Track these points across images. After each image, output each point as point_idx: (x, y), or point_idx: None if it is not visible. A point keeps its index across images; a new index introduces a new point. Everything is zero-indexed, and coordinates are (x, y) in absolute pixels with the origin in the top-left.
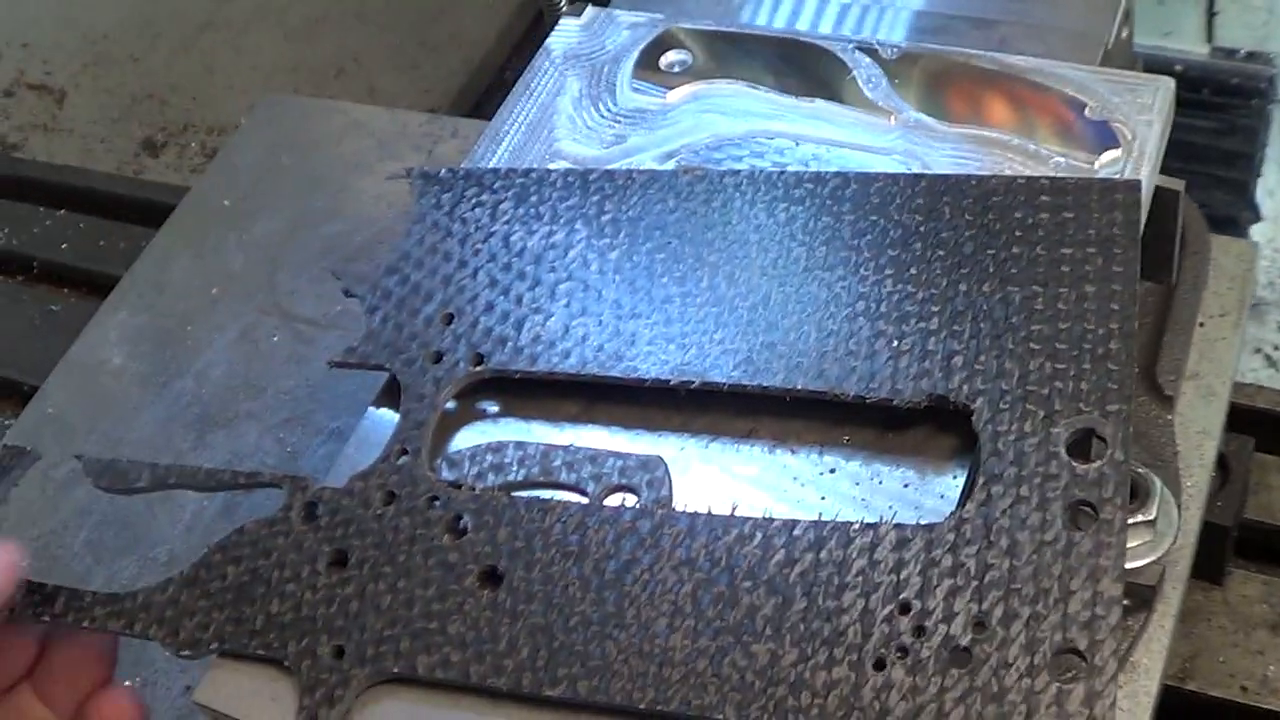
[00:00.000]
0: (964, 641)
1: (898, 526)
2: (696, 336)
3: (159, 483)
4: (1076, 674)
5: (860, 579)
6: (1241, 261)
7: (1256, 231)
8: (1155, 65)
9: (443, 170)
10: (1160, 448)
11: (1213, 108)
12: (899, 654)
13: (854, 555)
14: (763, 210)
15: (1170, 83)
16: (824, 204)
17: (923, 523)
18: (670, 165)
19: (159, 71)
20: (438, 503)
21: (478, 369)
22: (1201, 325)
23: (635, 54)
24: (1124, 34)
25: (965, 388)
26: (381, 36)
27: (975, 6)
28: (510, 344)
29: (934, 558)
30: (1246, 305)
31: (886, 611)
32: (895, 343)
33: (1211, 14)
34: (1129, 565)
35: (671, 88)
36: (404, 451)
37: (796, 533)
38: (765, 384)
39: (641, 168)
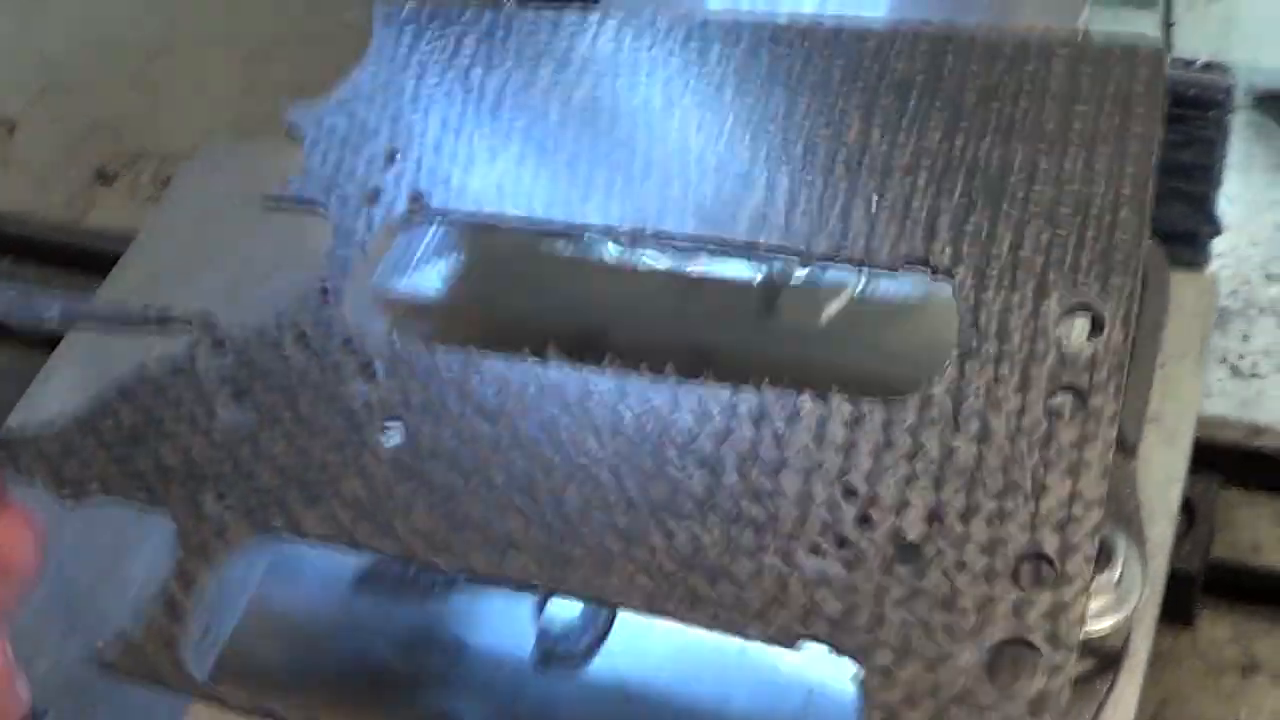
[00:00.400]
0: (913, 536)
1: (852, 400)
2: (656, 185)
3: (69, 316)
4: (1042, 582)
5: (803, 457)
6: (1202, 297)
7: (1218, 240)
8: None
9: (408, 3)
10: (1123, 500)
11: (1171, 119)
12: (837, 544)
13: (799, 430)
14: (744, 56)
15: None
16: (812, 51)
17: (885, 396)
18: None
19: (111, 100)
20: (350, 344)
21: (415, 211)
22: (1163, 367)
23: None
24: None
25: (948, 251)
26: (336, 58)
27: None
28: (453, 185)
29: (890, 438)
30: (1207, 342)
31: (828, 496)
32: (875, 199)
33: (1168, 24)
34: (1093, 628)
35: None
36: (324, 291)
37: (737, 401)
38: (725, 237)
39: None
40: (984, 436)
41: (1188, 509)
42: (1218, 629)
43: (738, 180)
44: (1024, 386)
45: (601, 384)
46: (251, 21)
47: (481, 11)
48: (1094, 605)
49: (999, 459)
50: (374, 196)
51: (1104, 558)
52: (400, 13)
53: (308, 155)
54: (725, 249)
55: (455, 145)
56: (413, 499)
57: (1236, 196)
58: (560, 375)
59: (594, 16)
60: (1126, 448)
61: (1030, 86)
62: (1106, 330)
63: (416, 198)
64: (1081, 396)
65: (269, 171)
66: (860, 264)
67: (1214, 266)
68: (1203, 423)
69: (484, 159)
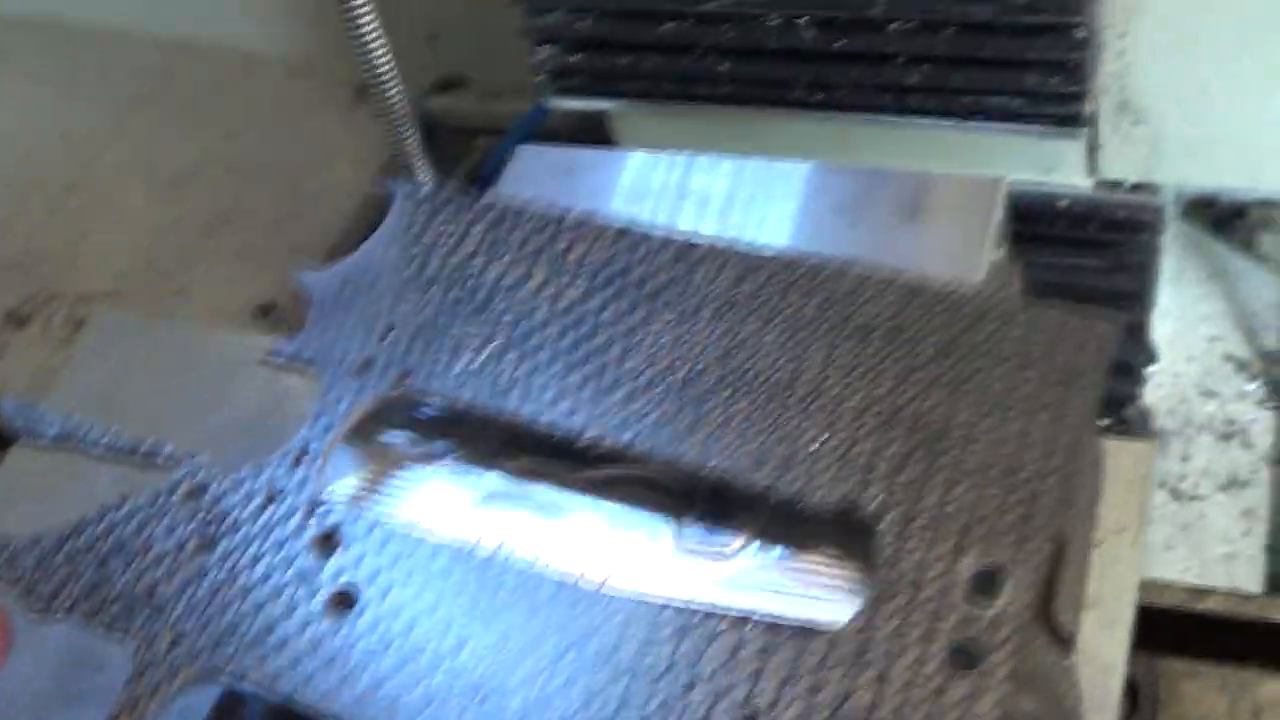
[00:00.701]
0: None
1: (770, 628)
2: (624, 396)
3: (65, 437)
4: None
5: (713, 679)
6: (1139, 465)
7: None
8: (1038, 202)
9: (424, 187)
10: (1061, 698)
11: (1100, 245)
12: None
13: (714, 651)
14: (728, 282)
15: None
16: (790, 286)
17: (798, 628)
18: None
19: (23, 239)
20: (319, 510)
21: (399, 387)
22: (1100, 545)
23: None
24: (997, 256)
25: (880, 499)
26: (252, 190)
27: (838, 240)
28: (439, 368)
29: (797, 671)
30: (1146, 514)
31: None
32: (821, 439)
33: (1094, 147)
34: None
35: None
36: (304, 453)
37: (661, 617)
38: (677, 457)
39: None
40: (883, 680)
41: (1131, 691)
42: None
43: (697, 405)
44: (928, 638)
45: (540, 583)
46: (167, 153)
47: (493, 204)
48: None
49: (895, 703)
50: (364, 368)
51: None
52: (419, 193)
53: (310, 318)
54: (667, 475)
55: (448, 330)
56: (353, 673)
57: (1169, 310)
58: (505, 569)
59: (595, 220)
60: (1064, 641)
61: (986, 347)
62: (1013, 593)
63: (403, 376)
64: (979, 654)
65: (160, 354)
66: (795, 502)
67: (1150, 386)
68: (1142, 587)
69: (471, 347)
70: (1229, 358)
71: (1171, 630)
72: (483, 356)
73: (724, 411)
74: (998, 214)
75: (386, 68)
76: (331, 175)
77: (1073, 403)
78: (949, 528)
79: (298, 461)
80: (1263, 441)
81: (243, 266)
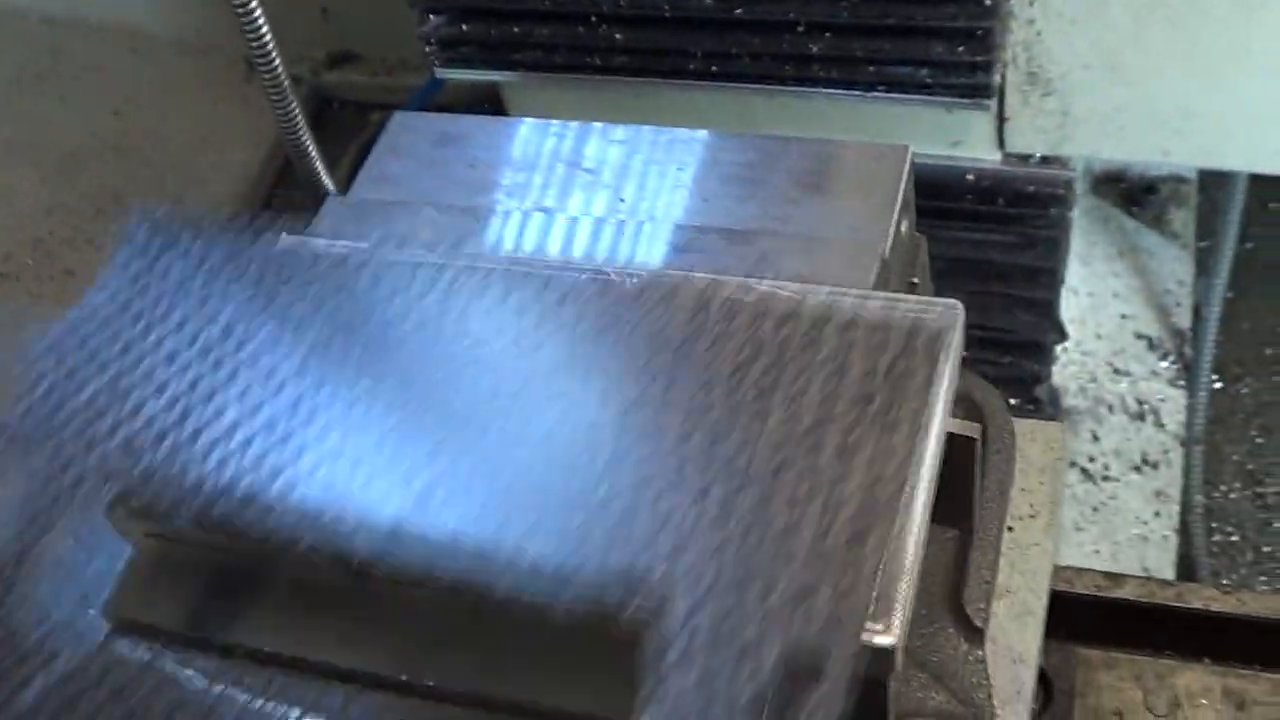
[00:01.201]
0: None
1: None
2: (359, 480)
3: None
4: None
5: None
6: (1051, 449)
7: None
8: (947, 176)
9: (160, 210)
10: (971, 690)
11: (1009, 219)
12: None
13: None
14: (489, 310)
15: (960, 308)
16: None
17: None
18: None
19: None
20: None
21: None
22: (1010, 530)
23: None
24: (903, 228)
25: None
26: (142, 170)
27: (734, 213)
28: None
29: None
30: (1059, 499)
31: None
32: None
33: (1002, 119)
34: None
35: None
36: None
37: None
38: (404, 566)
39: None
40: None
41: (1044, 682)
42: None
43: (450, 474)
44: None
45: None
46: (54, 132)
47: (234, 228)
48: None
49: None
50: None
51: None
52: (152, 217)
53: (31, 385)
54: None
55: (157, 410)
56: None
57: (1079, 287)
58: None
59: (343, 256)
60: (975, 631)
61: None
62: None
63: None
64: None
65: None
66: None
67: (1059, 363)
68: (1055, 574)
69: (179, 435)
70: (1140, 335)
71: (1086, 618)
72: (192, 450)
73: (469, 479)
74: (904, 183)
75: (271, 43)
76: (223, 154)
77: (892, 440)
78: (740, 619)
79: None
80: (1174, 421)
81: None
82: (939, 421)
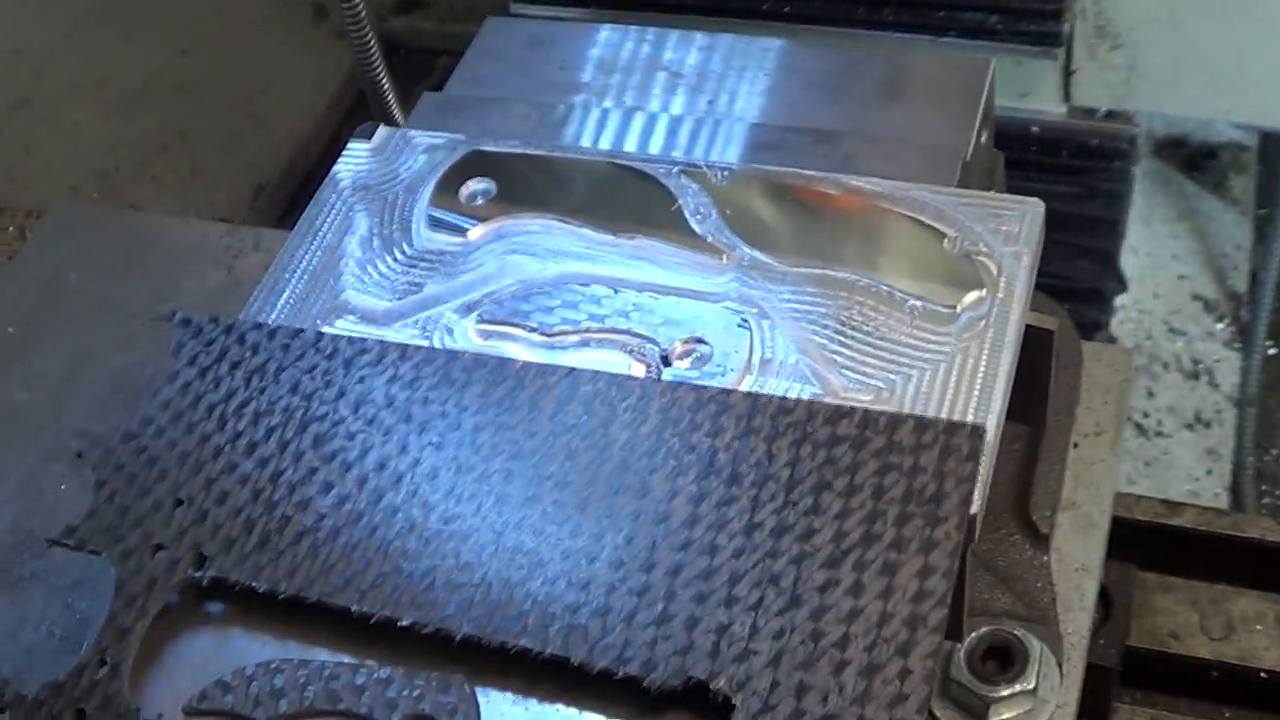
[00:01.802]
0: None
1: None
2: (442, 567)
3: None
4: None
5: None
6: (1116, 372)
7: (1121, 295)
8: (1012, 127)
9: (206, 321)
10: (1036, 594)
11: (1073, 171)
12: None
13: None
14: (550, 415)
15: (1040, 206)
16: (613, 416)
17: None
18: (471, 319)
19: None
20: None
21: (197, 573)
22: (1076, 446)
23: (432, 184)
24: (983, 138)
25: (732, 672)
26: (205, 109)
27: (816, 117)
28: (237, 547)
29: None
30: (1123, 419)
31: None
32: (662, 605)
33: (1069, 72)
34: None
35: (473, 224)
36: (103, 662)
37: None
38: (503, 640)
39: (422, 344)
40: None
41: (1104, 598)
42: None
43: (529, 568)
44: None
45: None
46: (118, 72)
47: (281, 336)
48: (1007, 714)
49: None
50: (156, 550)
51: (1019, 663)
52: (199, 330)
53: (95, 492)
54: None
55: (240, 496)
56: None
57: (1138, 247)
58: None
59: (395, 352)
60: (1040, 540)
61: (836, 479)
62: None
63: (200, 560)
64: None
65: (115, 240)
66: (637, 681)
67: (1116, 320)
68: (1115, 500)
69: (266, 517)
70: (1197, 297)
71: (1144, 544)
72: (283, 530)
73: (553, 578)
74: (986, 93)
75: None
76: (286, 94)
77: (936, 536)
78: (811, 700)
79: (99, 669)
80: (1228, 382)
81: (195, 183)
82: (1019, 313)
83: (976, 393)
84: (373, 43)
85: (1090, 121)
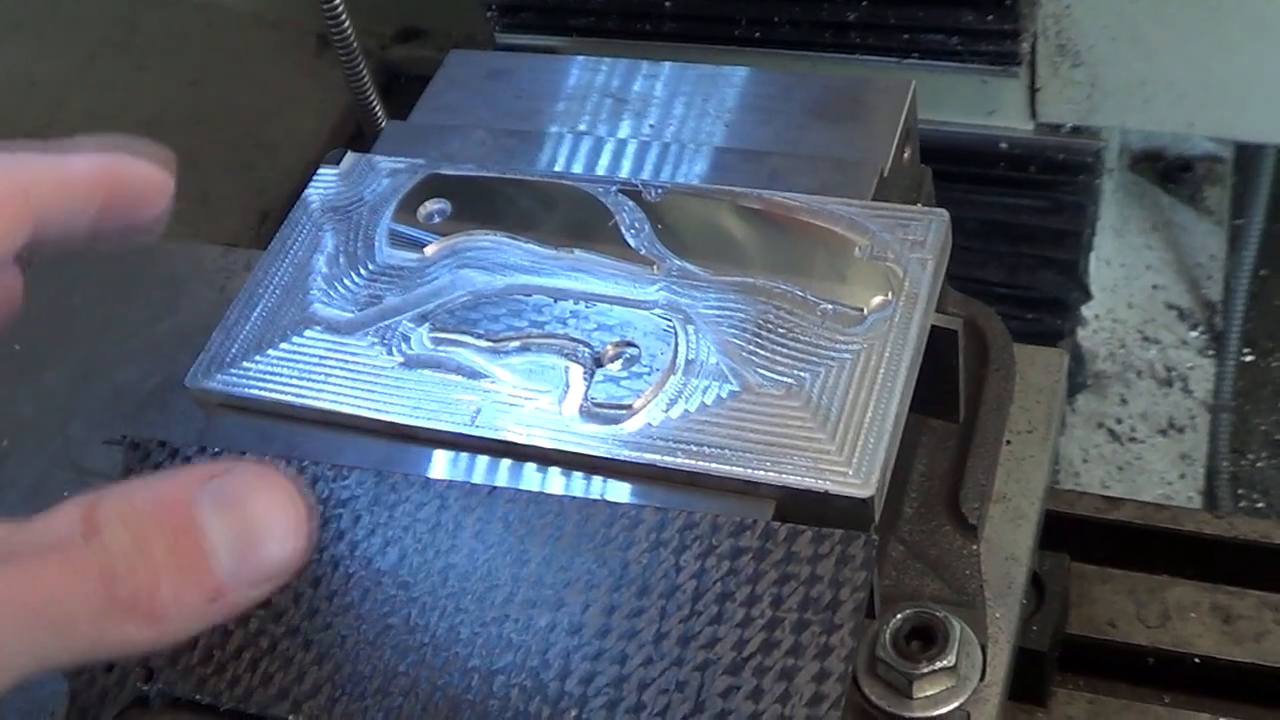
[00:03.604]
0: None
1: None
2: (370, 678)
3: None
4: None
5: None
6: (1049, 373)
7: (1094, 303)
8: (981, 143)
9: (154, 445)
10: (964, 581)
11: (1039, 185)
12: None
13: None
14: (473, 533)
15: (944, 215)
16: (530, 532)
17: None
18: (425, 328)
19: None
20: None
21: (145, 686)
22: (1008, 443)
23: (393, 204)
24: (905, 155)
25: None
26: (216, 137)
27: (749, 137)
28: (182, 660)
29: None
30: (1056, 418)
31: None
32: (575, 712)
33: (1034, 89)
34: (931, 714)
35: (430, 241)
36: None
37: None
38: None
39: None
40: None
41: (1038, 586)
42: (1073, 707)
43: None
44: None
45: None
46: (132, 102)
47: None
48: (930, 690)
49: None
50: (109, 664)
51: (940, 642)
52: (147, 453)
53: None
54: None
55: None
56: None
57: (1112, 259)
58: None
59: (333, 474)
60: (969, 528)
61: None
62: None
63: (148, 674)
64: None
65: (114, 261)
66: None
67: (1090, 330)
68: (1057, 496)
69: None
70: (1171, 306)
71: (1084, 539)
72: (225, 644)
73: None
74: (906, 112)
75: (345, 16)
76: (293, 123)
77: (830, 642)
78: None
79: None
80: (1202, 389)
81: (205, 210)
82: (921, 314)
83: (878, 386)
84: (365, 72)
85: (1056, 137)
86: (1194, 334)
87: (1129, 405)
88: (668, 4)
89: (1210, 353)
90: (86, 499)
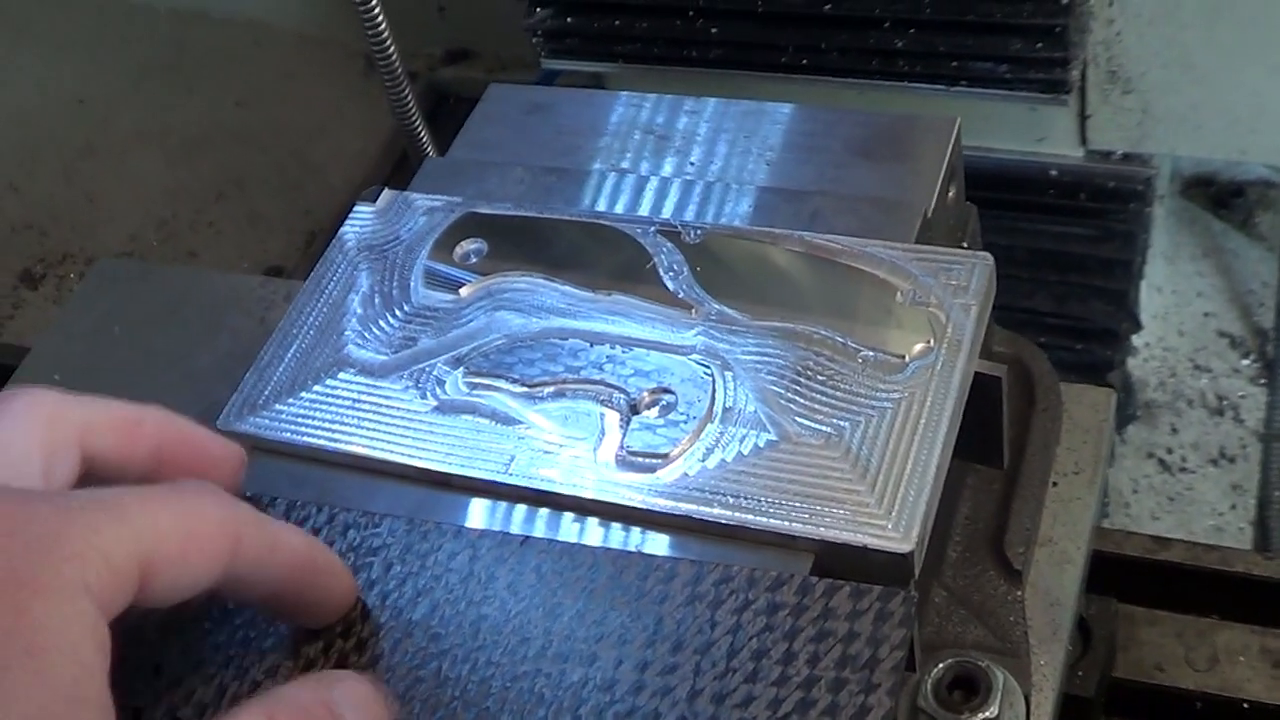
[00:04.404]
0: None
1: None
2: None
3: None
4: None
5: None
6: (1097, 412)
7: (1145, 332)
8: (1030, 171)
9: None
10: (1008, 628)
11: (1089, 214)
12: None
13: None
14: (505, 585)
15: (989, 259)
16: (564, 584)
17: None
18: (459, 371)
19: (38, 201)
20: None
21: None
22: (1055, 485)
23: (429, 244)
24: (950, 194)
25: None
26: (262, 157)
27: (790, 176)
28: (209, 712)
29: None
30: (1104, 459)
31: None
32: None
33: (1084, 117)
34: None
35: (466, 281)
36: None
37: None
38: None
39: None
40: None
41: (1084, 631)
42: None
43: None
44: None
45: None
46: (178, 121)
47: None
48: None
49: None
50: (135, 714)
51: (982, 693)
52: None
53: None
54: None
55: (213, 665)
56: None
57: (1163, 285)
58: None
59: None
60: (1013, 574)
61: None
62: None
63: None
64: None
65: (156, 293)
66: None
67: (1140, 358)
68: (1105, 536)
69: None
70: (1222, 334)
71: (1131, 581)
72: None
73: None
74: (950, 151)
75: (390, 39)
76: (340, 143)
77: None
78: None
79: None
80: (1254, 417)
81: (252, 230)
82: (964, 360)
83: (919, 436)
84: (409, 95)
85: (1106, 165)
86: (1245, 362)
87: (1179, 435)
88: (714, 30)
89: (1262, 381)
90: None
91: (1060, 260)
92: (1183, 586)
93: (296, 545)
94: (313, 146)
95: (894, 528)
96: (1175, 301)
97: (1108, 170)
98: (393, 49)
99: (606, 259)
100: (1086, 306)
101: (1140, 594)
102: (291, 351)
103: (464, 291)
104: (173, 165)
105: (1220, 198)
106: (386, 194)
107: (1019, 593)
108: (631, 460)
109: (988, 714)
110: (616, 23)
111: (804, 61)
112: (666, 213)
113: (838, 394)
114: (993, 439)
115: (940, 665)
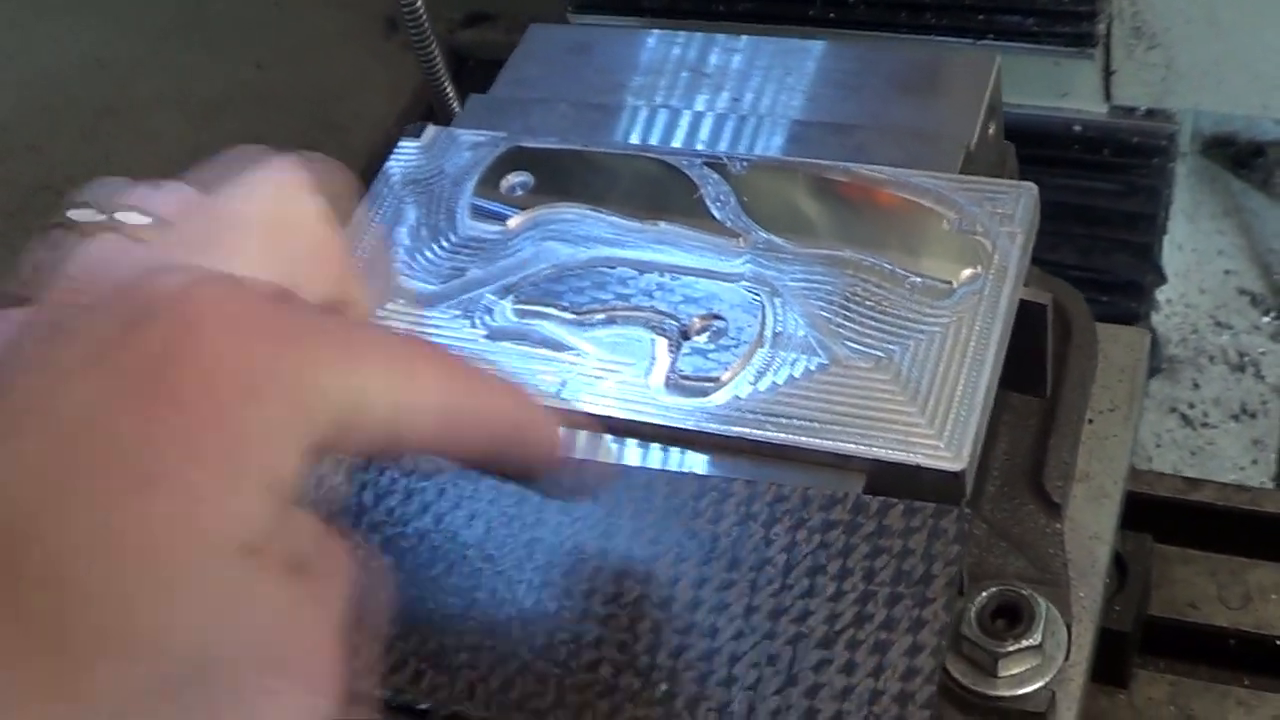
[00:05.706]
0: None
1: None
2: (458, 648)
3: None
4: None
5: None
6: (1132, 351)
7: (1166, 288)
8: (1054, 126)
9: None
10: (1048, 560)
11: (1113, 168)
12: None
13: None
14: (558, 507)
15: (1033, 188)
16: (619, 505)
17: None
18: (509, 300)
19: (58, 161)
20: None
21: None
22: (1091, 422)
23: (476, 177)
24: (990, 130)
25: None
26: (283, 118)
27: (834, 111)
28: None
29: None
30: (1139, 397)
31: None
32: (666, 686)
33: (1109, 72)
34: (1016, 693)
35: (512, 213)
36: None
37: None
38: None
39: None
40: None
41: (1120, 567)
42: (1154, 689)
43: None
44: None
45: None
46: (199, 83)
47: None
48: (1015, 669)
49: None
50: None
51: (1025, 621)
52: None
53: None
54: None
55: None
56: None
57: (1184, 243)
58: None
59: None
60: (1053, 509)
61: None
62: None
63: None
64: None
65: None
66: None
67: (1162, 315)
68: (1138, 478)
69: None
70: (1243, 291)
71: (1165, 521)
72: None
73: None
74: (991, 86)
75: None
76: (361, 105)
77: (922, 615)
78: None
79: None
80: (1275, 374)
81: None
82: (1011, 287)
83: (968, 359)
84: (437, 55)
85: (1130, 120)
86: (1266, 319)
87: (1201, 390)
88: None
89: None
90: None
91: (1085, 214)
92: (1214, 526)
93: (505, 409)
94: (334, 109)
95: (946, 447)
96: (1196, 259)
97: (1131, 125)
98: (420, 6)
99: (653, 191)
100: (1111, 260)
101: (1173, 535)
102: None
103: (511, 223)
104: (193, 127)
105: (1240, 157)
106: (431, 129)
107: (1058, 525)
108: (683, 384)
109: (1030, 642)
110: None
111: (831, 15)
112: (711, 146)
113: (886, 319)
114: (1037, 366)
115: (984, 594)
